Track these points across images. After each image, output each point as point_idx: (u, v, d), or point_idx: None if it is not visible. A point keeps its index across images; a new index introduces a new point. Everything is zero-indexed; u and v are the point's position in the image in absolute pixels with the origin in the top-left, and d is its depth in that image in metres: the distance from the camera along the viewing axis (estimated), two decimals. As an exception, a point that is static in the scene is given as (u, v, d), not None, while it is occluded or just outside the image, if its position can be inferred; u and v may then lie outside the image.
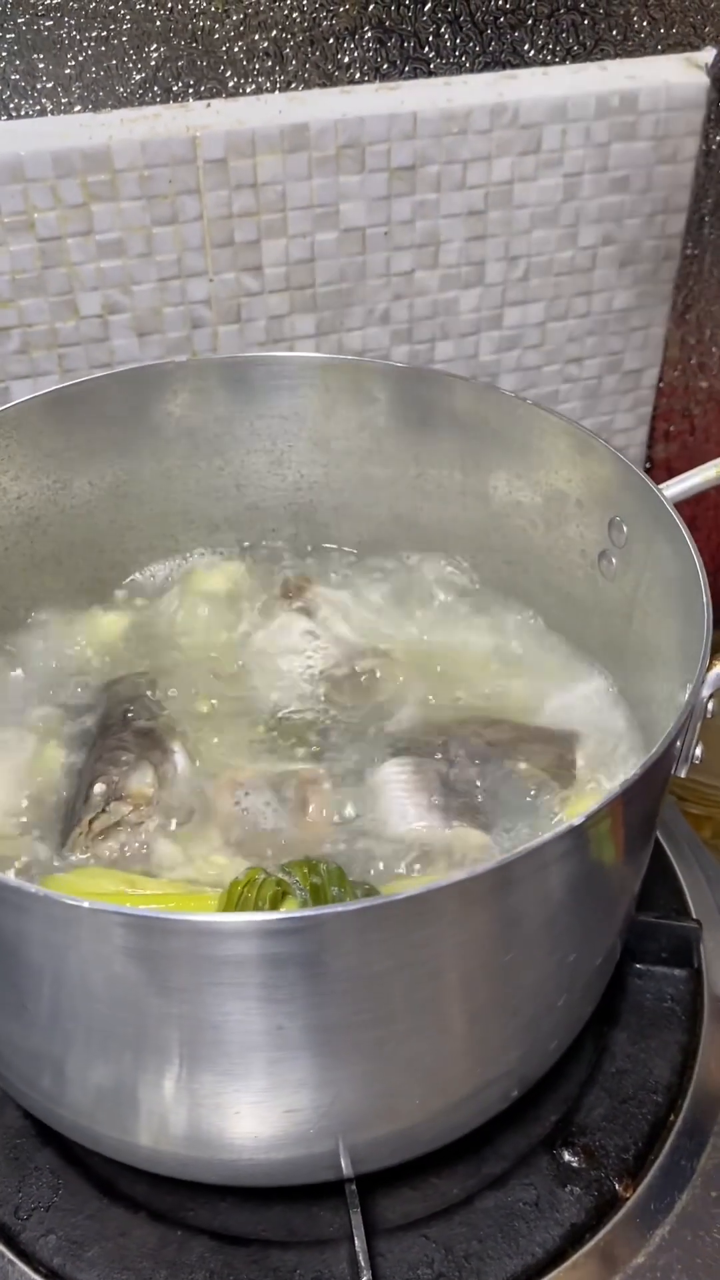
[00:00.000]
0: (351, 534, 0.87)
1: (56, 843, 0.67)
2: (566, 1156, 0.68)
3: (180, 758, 0.69)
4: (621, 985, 0.75)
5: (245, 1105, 0.55)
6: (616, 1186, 0.67)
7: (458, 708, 0.77)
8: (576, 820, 0.49)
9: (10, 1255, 0.64)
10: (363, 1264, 0.61)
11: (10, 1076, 0.64)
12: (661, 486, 0.66)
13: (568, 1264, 0.64)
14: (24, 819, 0.69)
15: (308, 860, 0.62)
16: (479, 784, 0.70)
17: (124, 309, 0.95)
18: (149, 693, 0.75)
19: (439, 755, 0.72)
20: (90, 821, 0.66)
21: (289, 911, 0.56)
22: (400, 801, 0.68)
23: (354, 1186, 0.64)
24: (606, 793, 0.50)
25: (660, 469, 1.24)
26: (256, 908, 0.58)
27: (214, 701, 0.76)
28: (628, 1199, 0.67)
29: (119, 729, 0.71)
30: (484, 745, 0.72)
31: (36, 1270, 0.64)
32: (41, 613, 0.83)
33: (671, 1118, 0.70)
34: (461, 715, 0.76)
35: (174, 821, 0.68)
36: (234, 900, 0.59)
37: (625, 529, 0.70)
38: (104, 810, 0.66)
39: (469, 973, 0.53)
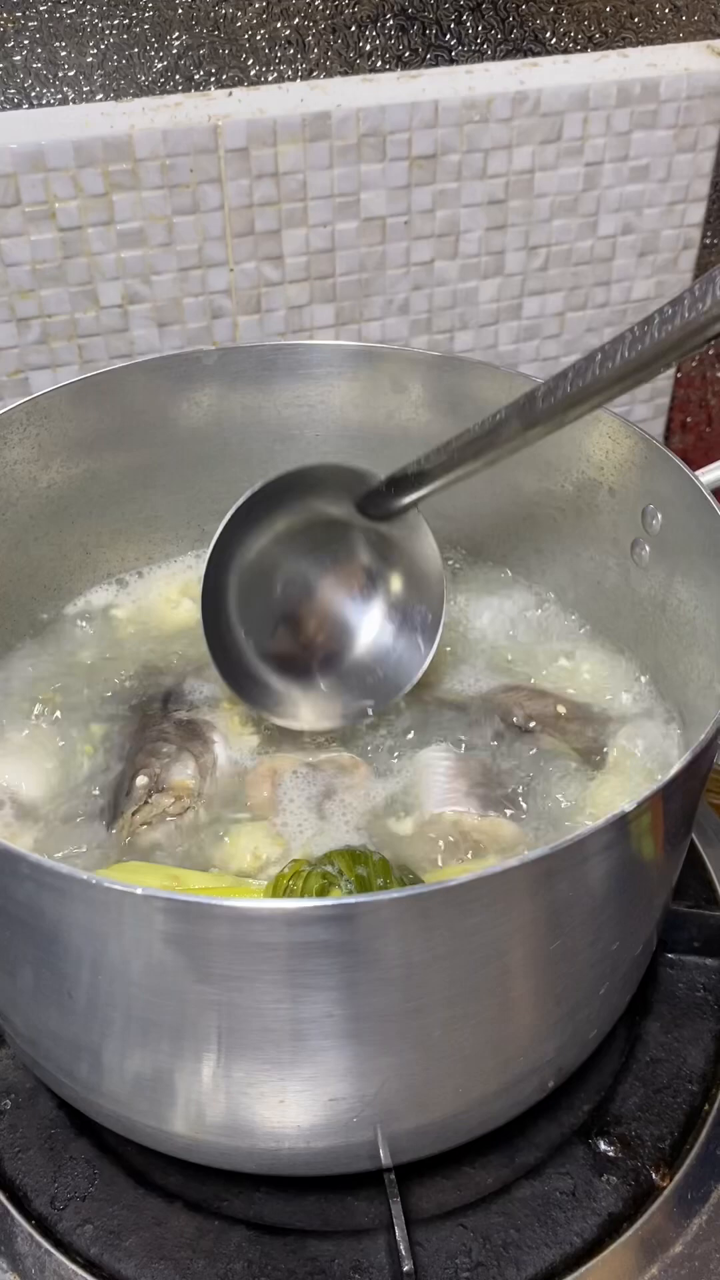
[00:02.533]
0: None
1: (98, 834, 0.67)
2: (603, 1146, 0.68)
3: (221, 748, 0.69)
4: (654, 975, 0.75)
5: (290, 1094, 0.55)
6: (653, 1175, 0.67)
7: (503, 678, 0.77)
8: (627, 807, 0.48)
9: (48, 1245, 0.64)
10: (404, 1253, 0.61)
11: (48, 1065, 0.64)
12: (698, 473, 0.66)
13: (606, 1253, 0.64)
14: (63, 810, 0.68)
15: (352, 850, 0.62)
16: (519, 773, 0.70)
17: (144, 299, 0.95)
18: (183, 683, 0.75)
19: (481, 722, 0.73)
20: (133, 814, 0.66)
21: (341, 898, 0.56)
22: (440, 787, 0.68)
23: (393, 1176, 0.64)
24: (655, 782, 0.50)
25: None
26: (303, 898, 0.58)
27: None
28: (664, 1188, 0.66)
29: (159, 719, 0.71)
30: (525, 718, 0.72)
31: (74, 1260, 0.63)
32: (71, 601, 0.83)
33: (706, 1107, 0.70)
34: (508, 684, 0.76)
35: (215, 811, 0.68)
36: (280, 893, 0.58)
37: (660, 517, 0.70)
38: (146, 802, 0.66)
39: (517, 960, 0.53)
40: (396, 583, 0.76)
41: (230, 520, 0.71)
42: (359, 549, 0.76)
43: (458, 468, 0.64)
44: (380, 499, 0.71)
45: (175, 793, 0.67)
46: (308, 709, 0.74)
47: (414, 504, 0.70)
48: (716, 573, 0.64)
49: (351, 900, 0.47)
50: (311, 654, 0.76)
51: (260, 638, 0.74)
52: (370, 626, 0.77)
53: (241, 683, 0.73)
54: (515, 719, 0.74)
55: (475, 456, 0.62)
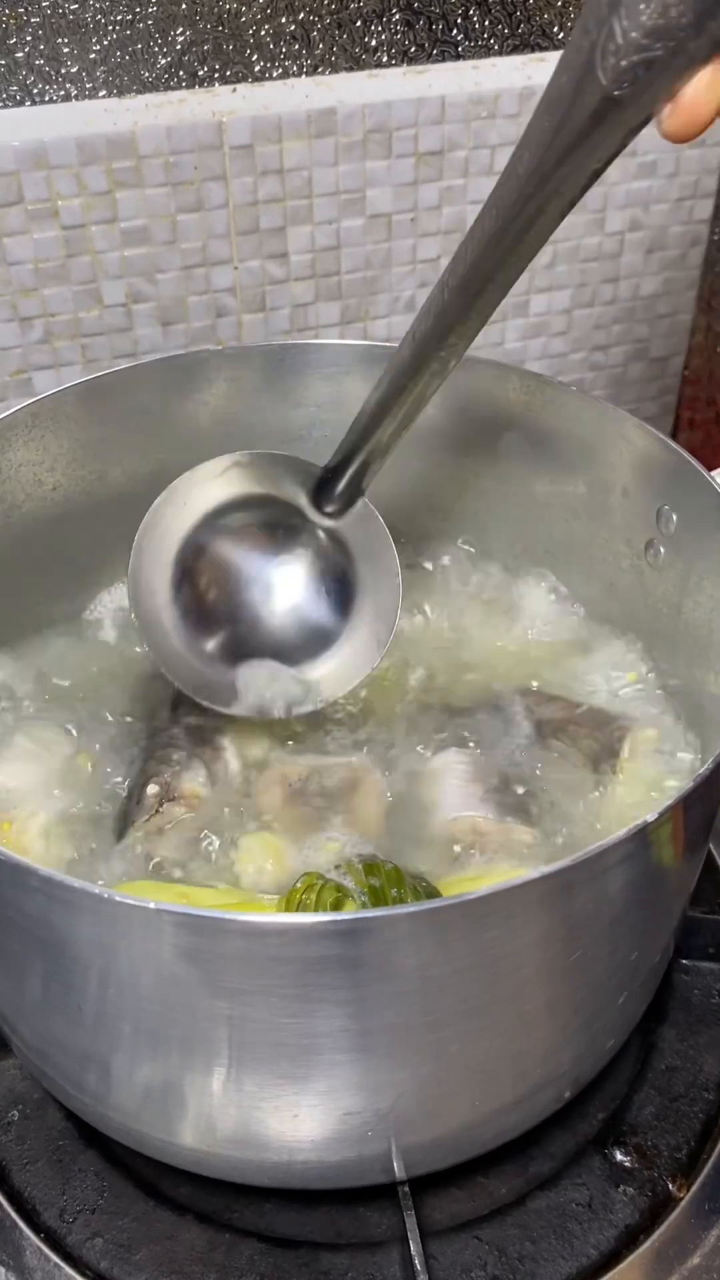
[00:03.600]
0: (387, 524, 0.85)
1: (106, 844, 0.66)
2: (619, 1156, 0.67)
3: (231, 754, 0.68)
4: (669, 981, 0.74)
5: (303, 1108, 0.54)
6: (670, 1186, 0.66)
7: (515, 681, 0.77)
8: (649, 818, 0.47)
9: (57, 1259, 0.63)
10: (418, 1267, 0.60)
11: (56, 1077, 0.63)
12: (714, 473, 0.65)
13: (623, 1265, 0.63)
14: (71, 819, 0.67)
15: (365, 861, 0.61)
16: (536, 776, 0.69)
17: (148, 298, 0.94)
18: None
19: (494, 726, 0.72)
20: (145, 822, 0.65)
21: (356, 913, 0.55)
22: (456, 791, 0.67)
23: (407, 1189, 0.63)
24: (676, 789, 0.49)
25: (685, 457, 1.23)
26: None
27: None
28: (682, 1199, 0.66)
29: (168, 725, 0.70)
30: (537, 721, 0.71)
31: (84, 1274, 0.63)
32: (79, 605, 0.82)
33: (723, 1115, 0.69)
34: (520, 687, 0.75)
35: (226, 819, 0.67)
36: (293, 907, 0.58)
37: (675, 518, 0.69)
38: (158, 811, 0.65)
39: (535, 972, 0.52)
40: (352, 575, 0.74)
41: (165, 498, 0.71)
42: (312, 542, 0.74)
43: (372, 435, 0.64)
44: (327, 490, 0.70)
45: (187, 802, 0.66)
46: (252, 697, 0.72)
47: (356, 488, 0.69)
48: (733, 575, 0.63)
49: (366, 915, 0.46)
50: (258, 644, 0.74)
51: (203, 625, 0.73)
52: (322, 618, 0.75)
53: (181, 669, 0.71)
54: (528, 722, 0.73)
55: (381, 417, 0.62)
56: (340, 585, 0.75)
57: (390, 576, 0.72)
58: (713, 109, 0.41)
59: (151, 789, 0.66)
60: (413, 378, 0.59)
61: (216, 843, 0.65)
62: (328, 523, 0.73)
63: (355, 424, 0.65)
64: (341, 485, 0.69)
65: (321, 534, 0.73)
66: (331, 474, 0.69)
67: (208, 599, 0.73)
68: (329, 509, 0.72)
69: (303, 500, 0.72)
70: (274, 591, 0.75)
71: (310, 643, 0.74)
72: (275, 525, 0.73)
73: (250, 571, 0.74)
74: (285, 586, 0.75)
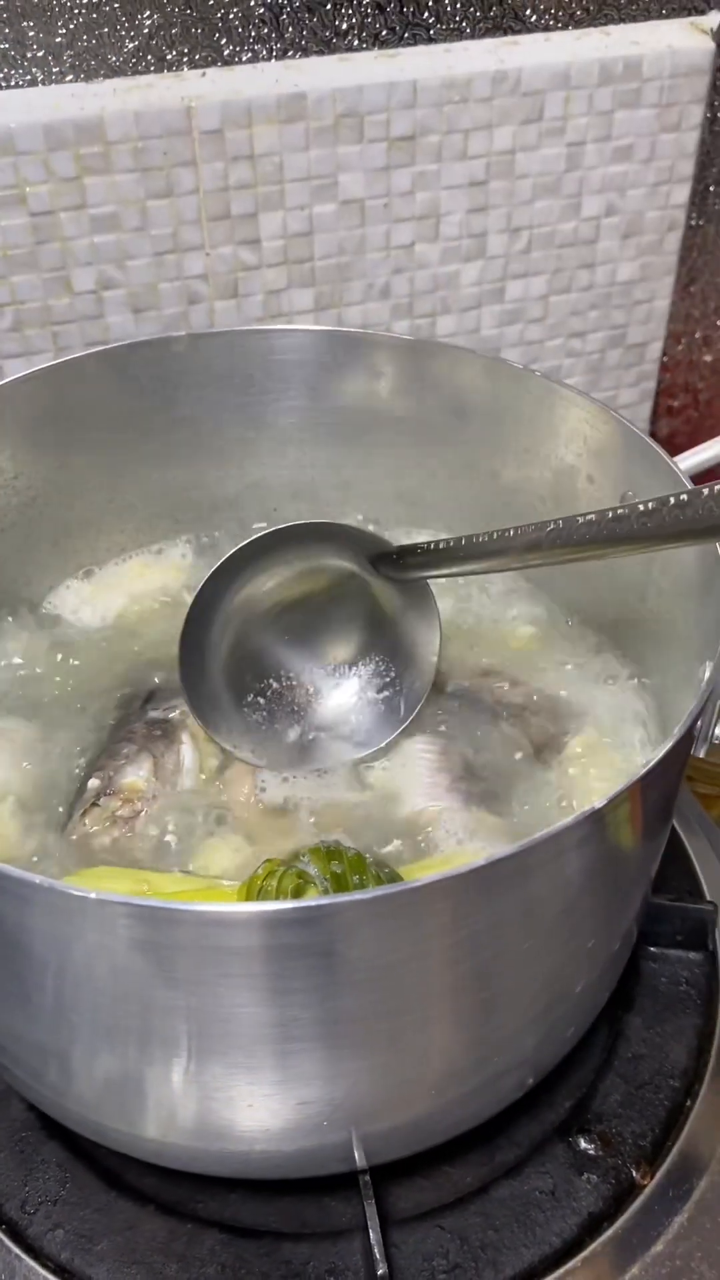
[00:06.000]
0: (354, 512, 0.85)
1: (54, 838, 0.65)
2: (583, 1144, 0.67)
3: (187, 749, 0.67)
4: (636, 969, 0.74)
5: (258, 1098, 0.54)
6: (634, 1174, 0.66)
7: (480, 666, 0.76)
8: (599, 803, 0.47)
9: (18, 1250, 0.63)
10: (378, 1256, 0.60)
11: (15, 1069, 0.62)
12: (676, 459, 0.64)
13: (586, 1253, 0.63)
14: (27, 812, 0.67)
15: (327, 848, 0.61)
16: (500, 766, 0.69)
17: (119, 285, 0.93)
18: (169, 681, 0.73)
19: (459, 712, 0.72)
20: (82, 816, 0.64)
21: (301, 900, 0.55)
22: (423, 781, 0.67)
23: (368, 1178, 0.63)
24: (630, 773, 0.49)
25: (664, 444, 1.22)
26: (278, 900, 0.57)
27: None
28: (645, 1186, 0.65)
29: (132, 719, 0.69)
30: (502, 706, 0.71)
31: (45, 1265, 0.62)
32: (45, 593, 0.81)
33: (689, 1103, 0.69)
34: (485, 670, 0.75)
35: (179, 813, 0.66)
36: (253, 894, 0.57)
37: (639, 504, 0.68)
38: (95, 804, 0.64)
39: (490, 959, 0.51)
40: (390, 641, 0.74)
41: (229, 560, 0.68)
42: (360, 598, 0.73)
43: (462, 564, 0.64)
44: (389, 564, 0.69)
45: (124, 795, 0.65)
46: (274, 751, 0.71)
47: (420, 579, 0.69)
48: (696, 560, 0.62)
49: (315, 903, 0.46)
50: (288, 700, 0.74)
51: (240, 674, 0.72)
52: (354, 681, 0.75)
53: (210, 713, 0.70)
54: (493, 708, 0.72)
55: (481, 558, 0.62)
56: (381, 647, 0.74)
57: (427, 649, 0.73)
58: None
59: (93, 782, 0.65)
60: (534, 554, 0.59)
61: (164, 837, 0.65)
62: (388, 585, 0.71)
63: (464, 544, 0.63)
64: (411, 574, 0.69)
65: (376, 595, 0.73)
66: (403, 556, 0.68)
67: (257, 650, 0.73)
68: (389, 574, 0.70)
69: (364, 559, 0.71)
70: (319, 651, 0.75)
71: (340, 704, 0.74)
72: (333, 582, 0.73)
73: (302, 624, 0.74)
74: (329, 644, 0.75)
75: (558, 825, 0.47)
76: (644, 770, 0.49)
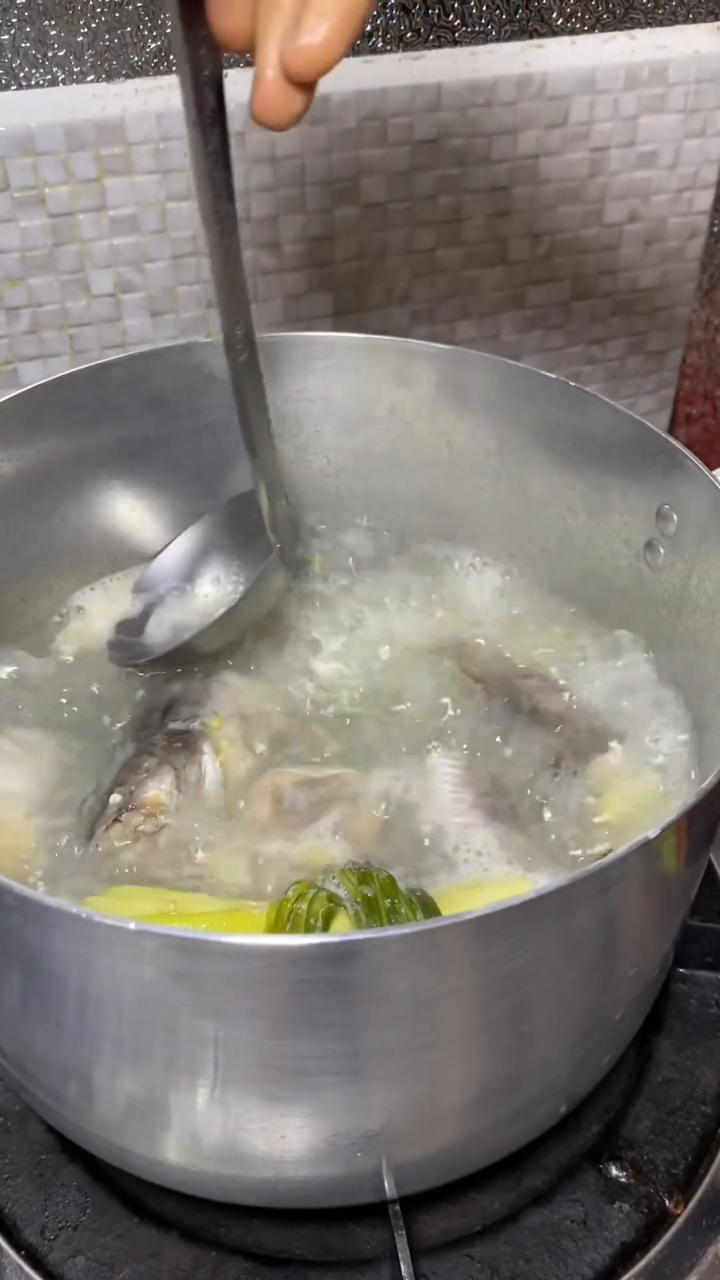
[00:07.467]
0: (380, 522, 0.84)
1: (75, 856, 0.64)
2: (614, 1171, 0.65)
3: (209, 761, 0.65)
4: (666, 990, 0.73)
5: (291, 1130, 0.52)
6: (667, 1202, 0.64)
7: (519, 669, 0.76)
8: (652, 833, 0.46)
9: (38, 1278, 0.62)
10: (409, 1288, 0.58)
11: (37, 1091, 0.61)
12: (716, 472, 0.63)
13: (618, 1284, 0.62)
14: (50, 829, 0.65)
15: (358, 869, 0.59)
16: (526, 780, 0.67)
17: (137, 287, 0.92)
18: (189, 690, 0.72)
19: (481, 723, 0.71)
20: (105, 832, 0.63)
21: (346, 934, 0.53)
22: (447, 796, 0.66)
23: (398, 1207, 0.62)
24: (680, 805, 0.47)
25: (682, 452, 1.22)
26: (308, 924, 0.55)
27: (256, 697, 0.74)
28: (679, 1215, 0.64)
29: (153, 731, 0.68)
30: (533, 718, 0.70)
31: (65, 1294, 0.61)
32: (65, 602, 0.80)
33: (720, 1130, 0.68)
34: (525, 672, 0.74)
35: (202, 826, 0.65)
36: (283, 918, 0.56)
37: (675, 517, 0.67)
38: (117, 820, 0.63)
39: (532, 991, 0.50)
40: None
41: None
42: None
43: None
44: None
45: (146, 809, 0.63)
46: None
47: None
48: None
49: (355, 937, 0.44)
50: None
51: None
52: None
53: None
54: (522, 721, 0.71)
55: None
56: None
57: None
58: None
59: (115, 798, 0.64)
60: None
61: (186, 851, 0.63)
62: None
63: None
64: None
65: None
66: None
67: None
68: None
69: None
70: None
71: None
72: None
73: None
74: None
75: (608, 859, 0.45)
76: (695, 800, 0.48)
